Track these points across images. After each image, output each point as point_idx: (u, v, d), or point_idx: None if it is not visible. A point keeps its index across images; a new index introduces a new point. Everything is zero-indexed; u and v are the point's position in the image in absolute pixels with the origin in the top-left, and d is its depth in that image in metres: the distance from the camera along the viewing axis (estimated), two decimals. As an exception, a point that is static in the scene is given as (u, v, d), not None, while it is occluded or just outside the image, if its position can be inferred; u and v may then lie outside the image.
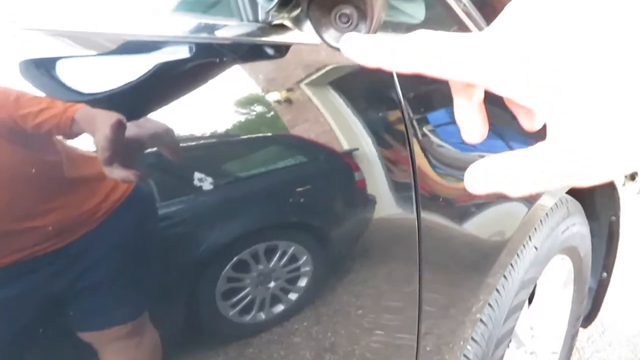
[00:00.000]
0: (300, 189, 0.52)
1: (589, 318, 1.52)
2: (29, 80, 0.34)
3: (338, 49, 0.28)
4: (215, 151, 0.45)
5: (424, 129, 0.66)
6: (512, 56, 0.19)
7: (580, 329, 1.77)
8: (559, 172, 0.19)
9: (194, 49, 0.43)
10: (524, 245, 0.92)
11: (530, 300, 1.14)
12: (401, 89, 0.61)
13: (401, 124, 0.61)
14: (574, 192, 1.18)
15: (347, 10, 0.30)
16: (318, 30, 0.31)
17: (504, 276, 0.88)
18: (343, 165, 0.58)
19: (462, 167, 0.73)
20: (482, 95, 0.25)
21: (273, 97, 0.49)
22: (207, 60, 0.44)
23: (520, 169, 0.20)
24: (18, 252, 0.33)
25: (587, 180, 0.19)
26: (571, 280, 1.26)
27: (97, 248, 0.38)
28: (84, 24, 0.38)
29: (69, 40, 0.37)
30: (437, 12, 0.74)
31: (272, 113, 0.50)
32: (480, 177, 0.21)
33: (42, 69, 0.35)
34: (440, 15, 0.74)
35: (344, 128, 0.56)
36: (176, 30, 0.44)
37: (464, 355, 0.86)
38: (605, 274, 1.44)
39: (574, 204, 1.12)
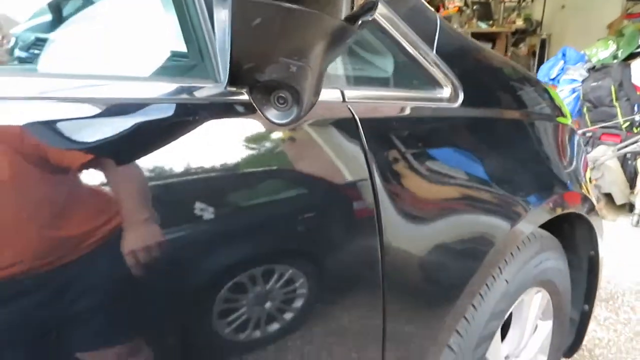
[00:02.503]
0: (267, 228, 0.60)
1: (572, 348, 1.56)
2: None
3: (277, 125, 0.36)
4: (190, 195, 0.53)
5: (388, 174, 0.73)
6: None
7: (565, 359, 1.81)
8: None
9: (174, 109, 0.51)
10: (494, 278, 0.98)
11: (505, 330, 1.19)
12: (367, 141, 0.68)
13: (365, 170, 0.69)
14: (553, 229, 1.24)
15: (284, 94, 0.37)
16: (260, 108, 0.38)
17: (473, 306, 0.94)
18: (312, 205, 0.65)
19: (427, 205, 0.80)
20: None
21: (246, 149, 0.57)
22: (185, 119, 0.52)
23: None
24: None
25: None
26: (550, 312, 1.30)
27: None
28: (80, 89, 0.47)
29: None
30: (405, 65, 0.82)
31: (243, 162, 0.57)
32: None
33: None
34: (408, 66, 0.82)
35: (312, 180, 0.63)
36: (158, 92, 0.52)
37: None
38: (587, 306, 1.48)
39: (549, 240, 1.18)
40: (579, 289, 1.47)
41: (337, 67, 0.71)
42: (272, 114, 0.38)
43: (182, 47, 0.59)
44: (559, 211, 1.17)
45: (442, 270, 0.86)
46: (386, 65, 0.80)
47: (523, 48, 8.97)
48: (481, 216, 0.91)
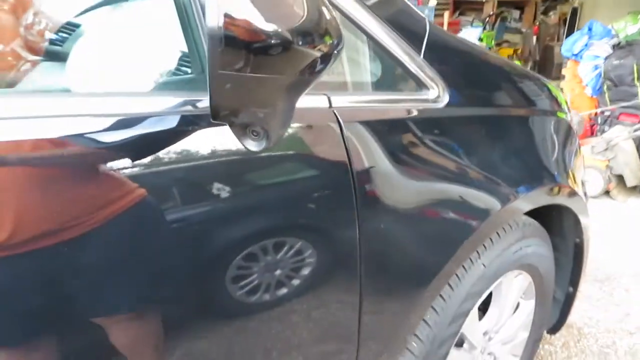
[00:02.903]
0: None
1: (556, 326, 1.66)
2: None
3: (253, 151, 0.46)
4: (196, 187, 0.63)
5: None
6: None
7: (558, 336, 1.92)
8: None
9: (178, 120, 0.61)
10: (471, 261, 1.07)
11: (485, 309, 1.29)
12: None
13: (347, 167, 0.78)
14: (543, 216, 1.32)
15: (256, 129, 0.47)
16: (239, 139, 0.48)
17: (449, 285, 1.04)
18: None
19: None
20: None
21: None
22: (188, 128, 0.61)
23: None
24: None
25: None
26: (532, 292, 1.40)
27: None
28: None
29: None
30: (391, 69, 0.89)
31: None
32: None
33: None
34: (394, 71, 0.90)
35: (299, 177, 0.73)
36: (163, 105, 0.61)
37: (408, 350, 1.02)
38: (571, 289, 1.57)
39: (532, 227, 1.26)
40: (564, 272, 1.56)
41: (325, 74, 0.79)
42: (248, 143, 0.48)
43: (185, 63, 0.68)
44: (543, 202, 1.25)
45: (421, 252, 0.96)
46: (373, 70, 0.88)
47: (553, 16, 8.73)
48: (460, 206, 1.00)
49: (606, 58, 4.04)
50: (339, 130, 0.77)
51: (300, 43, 0.44)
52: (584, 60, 4.34)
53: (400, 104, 0.90)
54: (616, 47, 4.08)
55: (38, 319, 0.54)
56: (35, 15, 1.29)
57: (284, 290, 0.76)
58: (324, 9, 0.50)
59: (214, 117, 0.47)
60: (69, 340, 0.58)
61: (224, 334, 0.72)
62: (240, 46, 0.42)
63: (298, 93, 0.50)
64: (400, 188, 0.88)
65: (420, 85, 0.93)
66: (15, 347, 0.54)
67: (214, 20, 0.40)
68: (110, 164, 0.55)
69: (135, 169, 0.57)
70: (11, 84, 1.07)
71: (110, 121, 0.56)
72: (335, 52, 0.50)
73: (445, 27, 6.08)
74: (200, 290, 0.67)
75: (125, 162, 0.56)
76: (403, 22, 0.91)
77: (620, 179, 3.38)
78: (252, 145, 0.49)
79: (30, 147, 0.51)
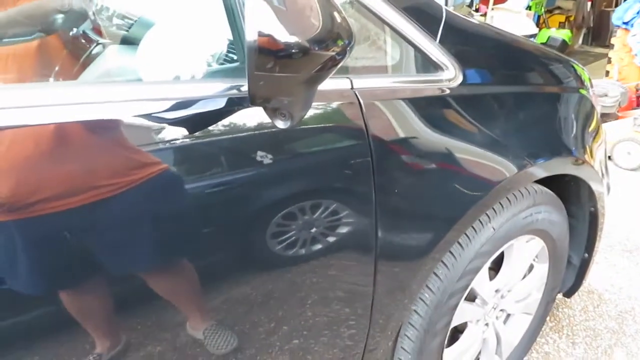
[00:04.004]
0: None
1: (572, 290, 1.77)
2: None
3: (282, 128, 0.62)
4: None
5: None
6: None
7: (577, 300, 2.02)
8: None
9: (226, 101, 0.77)
10: (481, 223, 1.20)
11: (499, 269, 1.42)
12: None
13: (366, 142, 0.92)
14: (558, 187, 1.42)
15: (283, 112, 0.63)
16: (271, 119, 0.64)
17: (459, 243, 1.18)
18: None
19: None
20: None
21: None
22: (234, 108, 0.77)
23: None
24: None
25: None
26: (545, 256, 1.51)
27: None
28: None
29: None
30: (409, 53, 1.02)
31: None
32: None
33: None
34: (411, 54, 1.02)
35: (323, 150, 0.88)
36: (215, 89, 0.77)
37: (421, 299, 1.18)
38: (587, 255, 1.67)
39: (544, 195, 1.37)
40: (581, 238, 1.66)
41: (348, 59, 0.93)
42: (277, 122, 0.64)
43: (232, 53, 0.84)
44: (556, 171, 1.35)
45: (432, 215, 1.10)
46: (392, 55, 1.01)
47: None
48: (470, 174, 1.12)
49: (658, 27, 3.92)
50: (359, 109, 0.91)
51: (317, 48, 0.59)
52: (635, 29, 4.21)
53: (416, 85, 1.03)
54: (670, 15, 3.95)
55: (96, 265, 0.71)
56: (103, 1, 1.48)
57: (315, 247, 0.92)
58: (335, 14, 0.64)
59: (252, 103, 0.63)
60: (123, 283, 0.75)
61: (254, 284, 0.88)
62: (270, 54, 0.57)
63: (316, 84, 0.65)
64: (415, 155, 1.01)
65: (436, 67, 1.05)
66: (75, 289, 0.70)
67: (250, 35, 0.55)
68: (174, 138, 0.72)
69: (195, 140, 0.74)
70: (85, 65, 1.25)
71: (172, 103, 0.73)
72: (347, 50, 0.64)
73: (491, -6, 5.95)
74: (238, 244, 0.84)
75: (186, 135, 0.73)
76: (420, 11, 1.03)
77: (660, 152, 3.34)
78: (280, 124, 0.65)
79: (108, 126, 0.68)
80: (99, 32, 1.36)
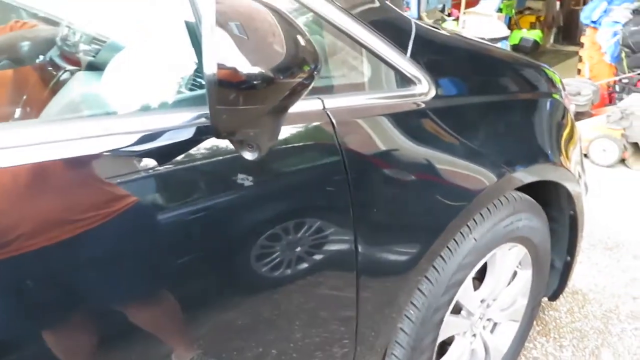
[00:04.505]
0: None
1: (556, 293, 1.77)
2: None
3: (251, 159, 0.60)
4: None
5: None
6: None
7: (563, 302, 2.03)
8: None
9: (194, 131, 0.74)
10: (462, 235, 1.19)
11: (483, 278, 1.41)
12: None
13: (340, 159, 0.90)
14: (537, 193, 1.42)
15: (250, 143, 0.60)
16: (237, 150, 0.61)
17: (441, 257, 1.16)
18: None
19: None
20: None
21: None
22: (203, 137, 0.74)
23: None
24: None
25: None
26: (529, 262, 1.51)
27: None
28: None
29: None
30: (380, 70, 1.01)
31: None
32: None
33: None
34: (382, 71, 1.01)
35: (298, 172, 0.86)
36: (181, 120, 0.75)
37: (407, 317, 1.16)
38: (569, 257, 1.67)
39: (523, 202, 1.37)
40: (563, 242, 1.66)
41: (319, 79, 0.91)
42: (245, 154, 0.62)
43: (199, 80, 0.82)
44: (534, 178, 1.35)
45: (413, 228, 1.08)
46: (364, 72, 0.99)
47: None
48: (450, 186, 1.11)
49: (625, 24, 4.00)
50: (332, 128, 0.89)
51: (282, 77, 0.57)
52: (603, 27, 4.30)
53: (390, 101, 1.02)
54: (635, 12, 4.03)
55: (75, 301, 0.68)
56: (69, 27, 1.44)
57: (296, 267, 0.90)
58: (299, 37, 0.62)
59: (217, 137, 0.60)
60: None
61: (239, 309, 0.86)
62: (231, 87, 0.54)
63: (283, 112, 0.63)
64: (391, 172, 1.00)
65: (409, 81, 1.04)
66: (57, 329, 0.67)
67: (209, 68, 0.53)
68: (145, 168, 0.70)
69: (167, 169, 0.71)
70: (53, 92, 1.21)
71: (140, 136, 0.70)
72: (315, 74, 0.62)
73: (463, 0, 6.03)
74: (220, 270, 0.82)
75: (156, 165, 0.70)
76: (389, 27, 1.01)
77: (635, 147, 3.40)
78: (248, 156, 0.62)
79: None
80: (67, 59, 1.32)
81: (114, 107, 0.85)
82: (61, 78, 1.28)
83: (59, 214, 0.64)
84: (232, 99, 0.55)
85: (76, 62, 1.29)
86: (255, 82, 0.54)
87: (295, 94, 0.61)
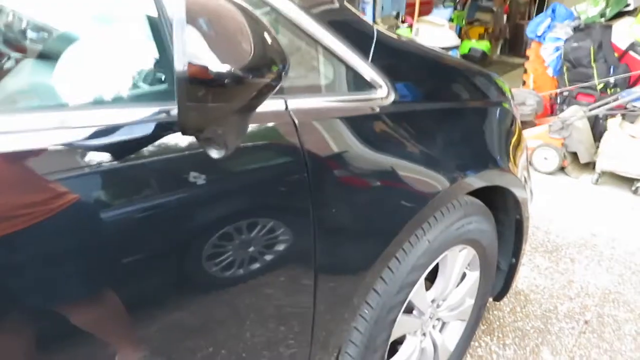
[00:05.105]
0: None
1: (501, 294, 1.85)
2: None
3: (217, 157, 0.59)
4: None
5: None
6: None
7: (506, 302, 2.11)
8: None
9: (154, 126, 0.73)
10: (417, 237, 1.23)
11: (433, 279, 1.45)
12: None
13: (302, 160, 0.91)
14: (486, 197, 1.48)
15: (218, 141, 0.60)
16: (204, 148, 0.61)
17: (396, 258, 1.19)
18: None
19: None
20: None
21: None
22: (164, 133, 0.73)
23: None
24: None
25: None
26: (477, 264, 1.57)
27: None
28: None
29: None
30: (342, 73, 1.02)
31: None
32: None
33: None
34: (344, 74, 1.02)
35: (260, 171, 0.86)
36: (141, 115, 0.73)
37: (361, 316, 1.18)
38: (514, 260, 1.75)
39: (474, 206, 1.42)
40: (509, 245, 1.73)
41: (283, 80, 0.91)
42: (211, 152, 0.61)
43: (160, 75, 0.80)
44: (484, 183, 1.40)
45: (370, 231, 1.10)
46: (327, 75, 1.00)
47: (525, -6, 8.90)
48: (407, 190, 1.14)
49: (566, 40, 4.23)
50: (294, 129, 0.89)
51: (251, 77, 0.57)
52: (547, 42, 4.52)
53: (351, 103, 1.03)
54: (576, 29, 4.27)
55: (14, 301, 0.65)
56: (13, 14, 1.37)
57: (253, 266, 0.89)
58: (266, 35, 0.62)
59: (183, 133, 0.60)
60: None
61: (191, 309, 0.85)
62: (201, 84, 0.54)
63: (250, 112, 0.63)
64: (351, 174, 1.02)
65: (369, 86, 1.06)
66: None
67: (180, 65, 0.52)
68: (102, 163, 0.67)
69: (123, 165, 0.69)
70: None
71: (96, 130, 0.68)
72: (283, 75, 0.62)
73: (417, 7, 6.18)
74: (172, 269, 0.80)
75: (113, 161, 0.68)
76: (352, 31, 1.03)
77: (574, 156, 3.59)
78: (214, 154, 0.62)
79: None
80: (11, 46, 1.26)
81: (67, 99, 0.82)
82: (5, 66, 1.22)
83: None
84: (201, 96, 0.55)
85: (22, 50, 1.23)
86: (225, 81, 0.54)
87: (263, 93, 0.61)
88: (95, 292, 0.74)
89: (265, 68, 0.59)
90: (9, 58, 1.23)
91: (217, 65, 0.54)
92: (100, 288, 0.74)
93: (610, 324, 2.04)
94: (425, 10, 6.56)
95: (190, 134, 0.61)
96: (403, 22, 6.61)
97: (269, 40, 0.63)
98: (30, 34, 1.33)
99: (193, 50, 0.52)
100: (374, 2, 5.74)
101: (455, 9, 7.14)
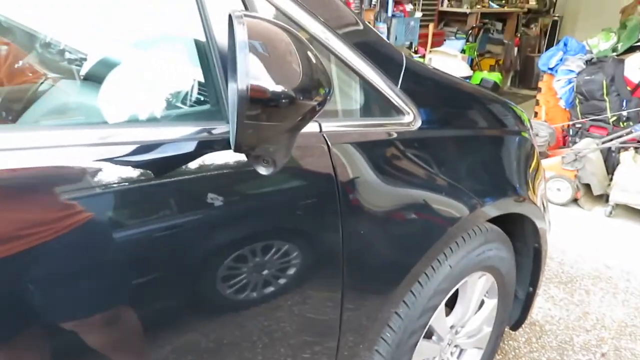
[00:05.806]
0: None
1: (518, 323, 1.84)
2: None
3: (265, 174, 0.62)
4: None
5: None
6: None
7: (521, 333, 2.09)
8: None
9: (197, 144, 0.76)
10: (439, 262, 1.24)
11: (453, 305, 1.46)
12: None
13: (333, 181, 0.93)
14: (505, 225, 1.49)
15: (266, 159, 0.63)
16: (254, 166, 0.64)
17: (419, 282, 1.20)
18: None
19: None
20: None
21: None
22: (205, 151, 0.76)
23: None
24: None
25: None
26: (495, 292, 1.57)
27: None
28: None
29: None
30: (372, 98, 1.05)
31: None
32: None
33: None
34: (374, 99, 1.06)
35: (294, 189, 0.89)
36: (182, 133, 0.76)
37: (383, 339, 1.19)
38: (531, 289, 1.75)
39: (494, 233, 1.43)
40: (526, 274, 1.73)
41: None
42: (260, 169, 0.64)
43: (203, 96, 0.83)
44: (504, 210, 1.42)
45: (396, 253, 1.12)
46: (358, 100, 1.04)
47: (534, 28, 9.03)
48: (432, 212, 1.16)
49: (578, 73, 4.27)
50: (327, 150, 0.92)
51: (301, 98, 0.60)
52: (559, 75, 4.57)
53: (380, 128, 1.06)
54: (588, 62, 4.32)
55: (31, 318, 0.65)
56: (50, 36, 1.43)
57: (274, 288, 0.91)
58: (310, 54, 0.65)
59: (237, 150, 0.63)
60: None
61: (212, 330, 0.86)
62: (259, 103, 0.57)
63: (297, 131, 0.66)
64: (379, 197, 1.04)
65: (398, 111, 1.09)
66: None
67: (243, 85, 0.55)
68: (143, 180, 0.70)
69: (167, 181, 0.72)
70: (32, 100, 1.19)
71: (139, 146, 0.71)
72: (327, 99, 0.65)
73: (429, 38, 6.29)
74: (200, 287, 0.82)
75: (153, 178, 0.71)
76: (383, 58, 1.07)
77: (587, 188, 3.59)
78: (263, 171, 0.65)
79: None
80: (46, 66, 1.31)
81: (107, 117, 0.85)
82: (41, 85, 1.27)
83: (35, 221, 0.62)
84: (256, 115, 0.58)
85: (58, 70, 1.28)
86: (281, 100, 0.57)
87: (309, 114, 0.64)
88: (111, 312, 0.74)
89: (314, 91, 0.62)
90: (47, 78, 1.28)
91: (273, 85, 0.57)
92: (116, 307, 0.75)
93: (627, 358, 2.01)
94: (438, 41, 6.66)
95: (243, 152, 0.64)
96: (416, 52, 6.71)
97: (314, 60, 0.66)
98: (67, 55, 1.38)
99: (253, 71, 0.56)
100: (387, 32, 5.84)
101: (467, 40, 7.25)
